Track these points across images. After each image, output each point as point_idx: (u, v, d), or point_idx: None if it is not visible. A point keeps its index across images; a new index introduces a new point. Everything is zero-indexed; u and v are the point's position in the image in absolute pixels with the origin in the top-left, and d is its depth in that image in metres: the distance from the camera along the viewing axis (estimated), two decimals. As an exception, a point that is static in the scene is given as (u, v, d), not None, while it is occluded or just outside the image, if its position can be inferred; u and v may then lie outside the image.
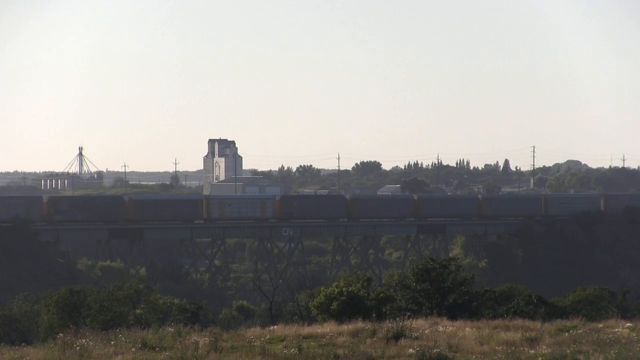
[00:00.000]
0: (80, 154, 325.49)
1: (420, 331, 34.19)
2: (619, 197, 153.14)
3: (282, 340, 33.03)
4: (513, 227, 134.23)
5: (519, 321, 37.77)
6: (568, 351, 30.02)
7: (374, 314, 40.39)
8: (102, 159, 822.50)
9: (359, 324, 35.72)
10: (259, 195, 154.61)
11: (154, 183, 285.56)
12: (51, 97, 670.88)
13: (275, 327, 36.84)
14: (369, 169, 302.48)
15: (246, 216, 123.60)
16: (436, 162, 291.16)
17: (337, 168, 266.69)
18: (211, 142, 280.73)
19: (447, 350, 30.46)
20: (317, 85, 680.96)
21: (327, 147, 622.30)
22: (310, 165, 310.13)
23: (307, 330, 35.22)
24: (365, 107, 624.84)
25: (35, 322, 52.93)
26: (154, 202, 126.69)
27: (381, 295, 44.70)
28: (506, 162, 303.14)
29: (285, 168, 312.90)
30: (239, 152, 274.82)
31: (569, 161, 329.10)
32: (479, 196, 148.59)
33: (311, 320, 40.97)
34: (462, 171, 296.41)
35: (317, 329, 35.55)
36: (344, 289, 43.22)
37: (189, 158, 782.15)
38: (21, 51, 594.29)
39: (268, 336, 33.95)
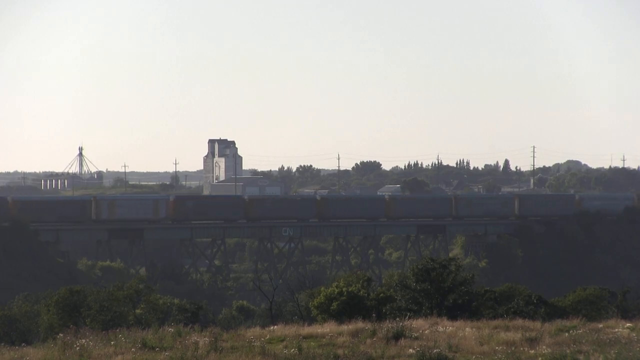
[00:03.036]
0: (80, 154, 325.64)
1: (420, 331, 34.19)
2: (533, 197, 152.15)
3: (282, 341, 33.03)
4: (513, 227, 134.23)
5: (519, 321, 37.77)
6: (568, 351, 30.01)
7: (374, 314, 40.37)
8: (102, 159, 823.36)
9: (359, 324, 35.71)
10: (152, 196, 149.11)
11: (154, 183, 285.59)
12: (51, 97, 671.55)
13: (275, 327, 36.83)
14: (369, 169, 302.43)
15: (137, 217, 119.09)
16: (436, 162, 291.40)
17: (337, 168, 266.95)
18: (211, 142, 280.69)
19: (447, 351, 30.45)
20: (317, 85, 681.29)
21: (327, 147, 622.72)
22: (310, 166, 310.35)
23: (307, 330, 35.21)
24: (365, 107, 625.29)
25: (35, 322, 52.93)
26: (39, 202, 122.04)
27: (381, 295, 44.69)
28: (506, 162, 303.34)
29: (285, 168, 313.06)
30: (239, 152, 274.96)
31: (569, 161, 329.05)
32: (386, 196, 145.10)
33: (311, 320, 40.96)
34: (462, 171, 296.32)
35: (317, 329, 35.54)
36: (344, 289, 43.21)
37: (189, 158, 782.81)
38: (21, 51, 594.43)
39: (268, 336, 33.95)
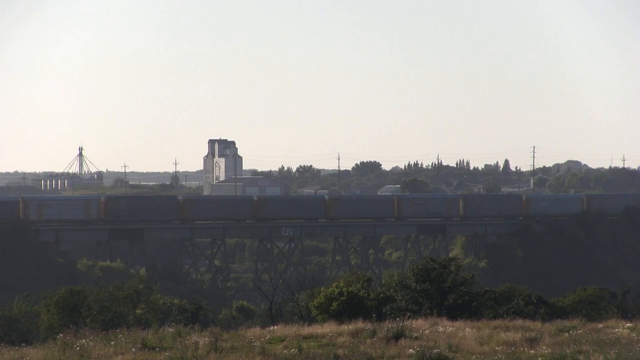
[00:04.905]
0: (80, 154, 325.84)
1: (420, 331, 34.20)
2: (476, 197, 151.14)
3: (282, 341, 33.03)
4: (513, 227, 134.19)
5: (519, 321, 37.78)
6: (568, 351, 30.01)
7: (374, 314, 40.40)
8: (102, 159, 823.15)
9: (359, 324, 35.72)
10: (83, 197, 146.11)
11: (154, 183, 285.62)
12: (51, 97, 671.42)
13: (275, 327, 36.84)
14: (369, 169, 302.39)
15: (67, 218, 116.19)
16: (436, 162, 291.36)
17: (337, 168, 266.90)
18: (211, 142, 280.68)
19: (447, 351, 30.46)
20: (317, 86, 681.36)
21: (327, 147, 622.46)
22: (310, 166, 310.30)
23: (307, 330, 35.21)
24: (365, 107, 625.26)
25: (35, 322, 52.97)
26: None
27: (381, 295, 44.70)
28: (506, 162, 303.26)
29: (285, 168, 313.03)
30: (239, 153, 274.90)
31: (569, 161, 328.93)
32: (325, 196, 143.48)
33: (311, 321, 40.96)
34: (462, 171, 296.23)
35: (317, 329, 35.55)
36: (344, 289, 43.21)
37: (189, 158, 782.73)
38: (21, 51, 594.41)
39: (268, 336, 33.95)
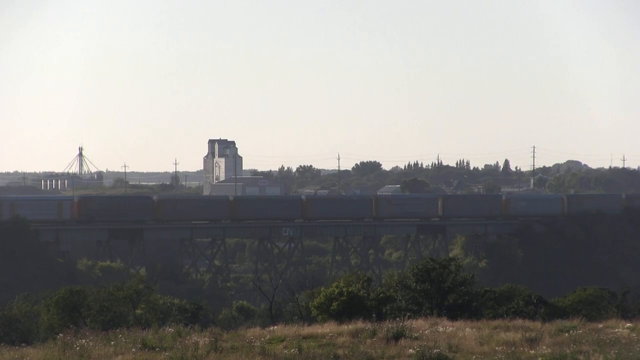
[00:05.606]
0: (80, 154, 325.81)
1: (420, 331, 34.19)
2: (454, 197, 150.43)
3: (282, 341, 33.03)
4: (513, 227, 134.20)
5: (519, 321, 37.78)
6: (568, 351, 30.01)
7: (374, 314, 40.39)
8: (102, 159, 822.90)
9: (359, 324, 35.72)
10: (55, 197, 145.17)
11: (154, 183, 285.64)
12: (51, 97, 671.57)
13: (275, 327, 36.84)
14: (369, 169, 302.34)
15: (40, 219, 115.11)
16: (436, 162, 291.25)
17: (337, 168, 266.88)
18: (211, 142, 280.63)
19: (447, 351, 30.46)
20: (317, 86, 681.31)
21: (327, 147, 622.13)
22: (310, 166, 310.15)
23: (307, 330, 35.21)
24: (365, 107, 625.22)
25: (35, 322, 52.98)
26: None
27: (381, 295, 44.70)
28: (506, 162, 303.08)
29: (285, 168, 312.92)
30: (239, 153, 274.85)
31: (569, 161, 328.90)
32: (303, 197, 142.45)
33: (311, 321, 40.95)
34: (462, 171, 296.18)
35: (317, 329, 35.55)
36: (344, 289, 43.21)
37: (189, 158, 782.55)
38: (21, 51, 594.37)
39: (268, 336, 33.95)
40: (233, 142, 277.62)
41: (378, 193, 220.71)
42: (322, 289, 45.45)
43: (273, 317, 50.11)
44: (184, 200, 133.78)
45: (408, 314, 41.38)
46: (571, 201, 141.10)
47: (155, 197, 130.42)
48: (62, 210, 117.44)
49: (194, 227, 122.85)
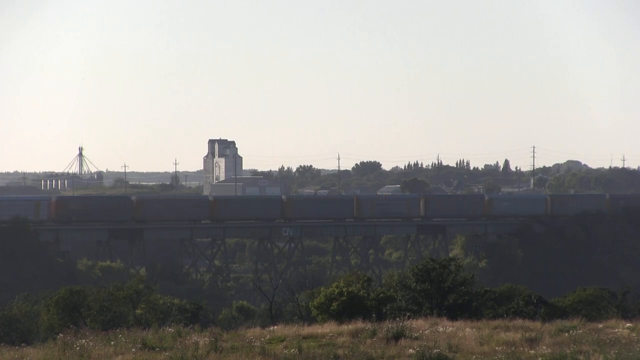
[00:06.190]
0: (80, 154, 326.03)
1: (420, 331, 34.19)
2: (436, 197, 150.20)
3: (282, 341, 33.03)
4: (513, 227, 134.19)
5: (519, 321, 37.78)
6: (568, 351, 30.01)
7: (374, 314, 40.39)
8: (102, 159, 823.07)
9: (359, 324, 35.72)
10: (33, 197, 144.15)
11: (154, 183, 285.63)
12: (51, 97, 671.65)
13: (275, 327, 36.84)
14: (369, 169, 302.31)
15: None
16: (436, 162, 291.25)
17: (337, 168, 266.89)
18: (211, 142, 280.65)
19: (447, 351, 30.46)
20: (317, 86, 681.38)
21: (327, 147, 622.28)
22: (310, 166, 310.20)
23: (307, 330, 35.21)
24: (365, 107, 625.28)
25: (35, 322, 52.96)
26: None
27: (381, 295, 44.69)
28: (506, 162, 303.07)
29: (285, 168, 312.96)
30: (239, 153, 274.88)
31: (569, 161, 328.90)
32: (283, 197, 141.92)
33: (311, 321, 40.96)
34: (462, 171, 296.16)
35: (317, 329, 35.55)
36: (344, 289, 43.21)
37: (189, 158, 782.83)
38: (21, 51, 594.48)
39: (268, 336, 33.95)
40: (233, 142, 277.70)
41: (378, 193, 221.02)
42: (322, 289, 45.45)
43: (273, 317, 50.10)
44: (162, 201, 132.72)
45: (408, 314, 41.38)
46: (555, 201, 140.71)
47: (133, 198, 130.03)
48: (39, 210, 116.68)
49: (194, 227, 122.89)
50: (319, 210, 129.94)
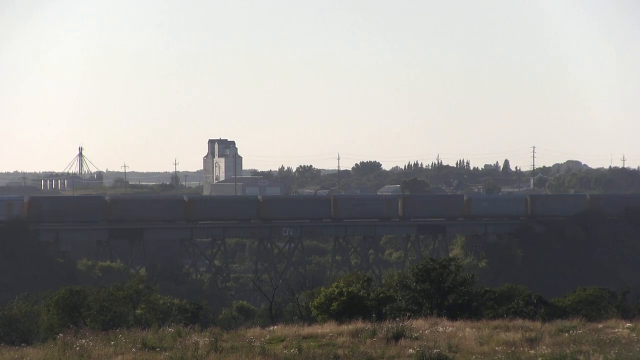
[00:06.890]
0: (80, 154, 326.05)
1: (420, 331, 34.20)
2: (414, 197, 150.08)
3: (282, 341, 33.03)
4: (513, 227, 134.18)
5: (519, 321, 37.78)
6: (568, 351, 30.01)
7: (374, 314, 40.39)
8: (102, 159, 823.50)
9: (359, 324, 35.72)
10: (5, 197, 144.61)
11: (154, 183, 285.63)
12: (51, 97, 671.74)
13: (275, 327, 36.84)
14: (369, 169, 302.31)
15: None
16: (436, 162, 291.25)
17: (337, 168, 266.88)
18: (211, 142, 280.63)
19: (447, 351, 30.46)
20: (317, 86, 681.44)
21: (327, 147, 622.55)
22: (310, 166, 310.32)
23: (307, 330, 35.22)
24: (365, 107, 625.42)
25: (35, 322, 52.96)
26: None
27: (381, 295, 44.69)
28: (506, 162, 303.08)
29: (285, 168, 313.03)
30: (239, 153, 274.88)
31: (569, 161, 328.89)
32: (259, 197, 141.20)
33: (311, 321, 40.96)
34: (462, 171, 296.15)
35: (317, 329, 35.55)
36: (344, 289, 43.20)
37: (189, 158, 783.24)
38: (21, 51, 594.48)
39: (268, 336, 33.95)
40: (233, 142, 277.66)
41: (378, 193, 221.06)
42: (322, 289, 45.44)
43: (273, 317, 50.10)
44: (136, 201, 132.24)
45: (408, 314, 41.38)
46: (535, 202, 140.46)
47: (107, 198, 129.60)
48: (11, 210, 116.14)
49: (194, 227, 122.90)
50: (295, 210, 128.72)
